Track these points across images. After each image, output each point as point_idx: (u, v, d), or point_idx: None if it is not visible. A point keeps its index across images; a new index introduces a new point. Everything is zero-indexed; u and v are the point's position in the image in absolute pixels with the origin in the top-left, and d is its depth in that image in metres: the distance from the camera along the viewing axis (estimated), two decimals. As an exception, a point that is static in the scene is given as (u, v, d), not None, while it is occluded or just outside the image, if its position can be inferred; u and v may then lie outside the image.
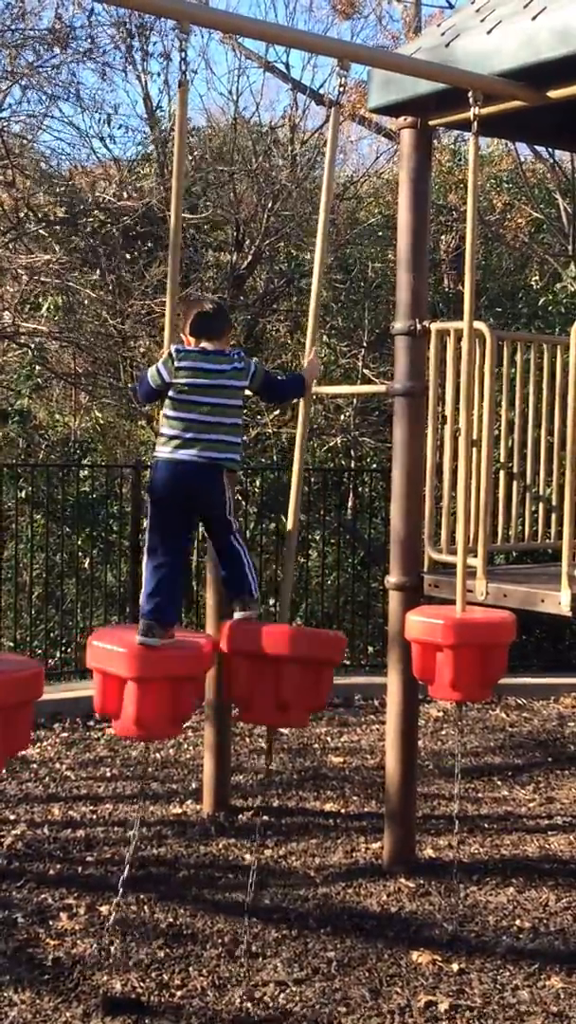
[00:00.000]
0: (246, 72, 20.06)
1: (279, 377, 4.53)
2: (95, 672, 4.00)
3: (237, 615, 4.28)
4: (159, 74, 12.42)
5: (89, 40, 10.47)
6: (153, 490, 4.13)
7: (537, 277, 12.79)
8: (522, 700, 9.04)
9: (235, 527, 4.27)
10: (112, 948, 4.76)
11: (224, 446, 4.15)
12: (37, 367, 11.82)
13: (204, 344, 4.27)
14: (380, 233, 12.61)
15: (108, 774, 7.00)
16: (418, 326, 5.55)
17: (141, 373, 4.29)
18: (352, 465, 11.61)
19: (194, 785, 6.79)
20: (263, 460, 11.53)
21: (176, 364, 4.14)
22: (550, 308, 11.42)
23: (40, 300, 11.52)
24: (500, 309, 12.13)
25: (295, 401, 4.80)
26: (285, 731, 8.01)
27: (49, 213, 11.28)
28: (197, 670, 4.07)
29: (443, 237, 12.75)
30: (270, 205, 11.57)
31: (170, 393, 4.14)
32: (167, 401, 4.16)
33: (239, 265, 11.93)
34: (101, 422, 12.42)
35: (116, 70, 11.82)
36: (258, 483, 10.85)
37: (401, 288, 5.63)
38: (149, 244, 11.84)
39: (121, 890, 4.59)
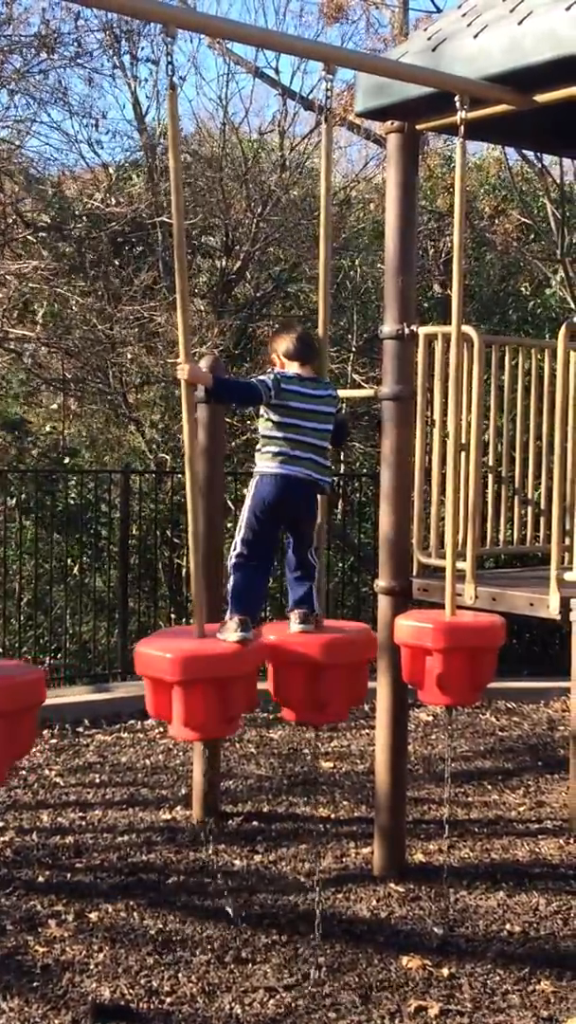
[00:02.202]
0: (235, 77, 20.08)
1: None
2: (144, 679, 4.08)
3: (296, 627, 4.44)
4: (148, 79, 12.46)
5: (76, 44, 10.48)
6: (260, 501, 4.40)
7: (527, 284, 12.81)
8: (512, 704, 9.04)
9: (315, 543, 4.56)
10: (101, 955, 4.75)
11: (324, 469, 4.49)
12: (26, 373, 11.81)
13: (299, 371, 4.55)
14: (369, 239, 12.62)
15: (97, 780, 6.99)
16: (406, 330, 5.55)
17: (242, 378, 4.68)
18: (341, 470, 11.62)
19: (184, 791, 6.78)
20: (252, 466, 11.54)
21: (283, 387, 4.42)
22: (539, 312, 11.45)
23: (34, 306, 11.51)
24: (489, 314, 12.16)
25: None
26: (274, 736, 8.01)
27: (37, 219, 11.28)
28: (243, 669, 4.11)
29: (431, 243, 12.78)
30: (260, 210, 11.58)
31: (272, 415, 4.42)
32: (269, 422, 4.43)
33: (229, 270, 11.94)
34: (90, 428, 12.41)
35: (104, 75, 11.84)
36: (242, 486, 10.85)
37: (389, 291, 5.64)
38: (139, 249, 11.85)
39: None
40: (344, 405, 4.72)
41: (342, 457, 11.74)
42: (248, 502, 4.45)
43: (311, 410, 4.46)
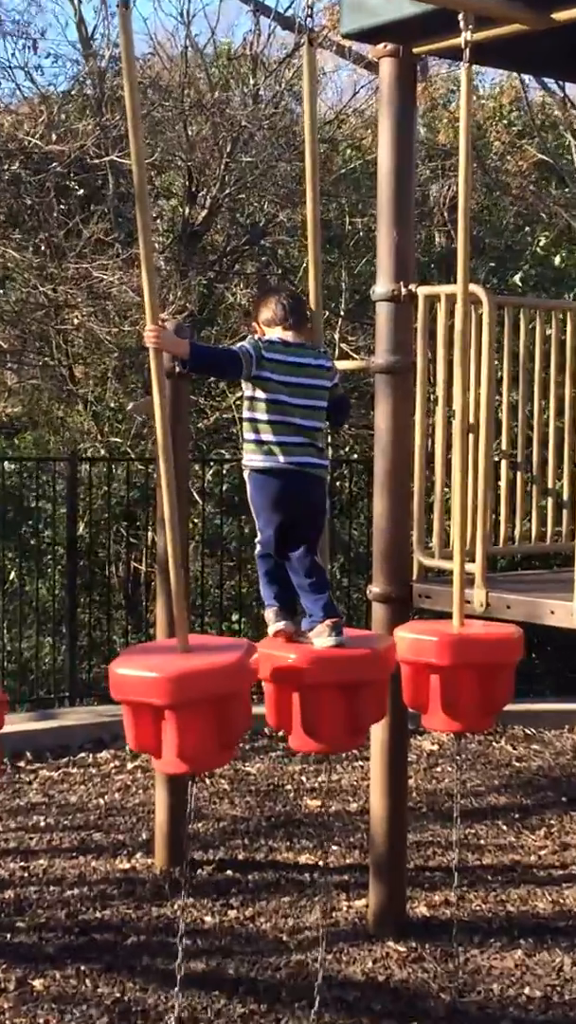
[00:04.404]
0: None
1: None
2: (124, 705, 4.09)
3: (327, 640, 4.46)
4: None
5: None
6: (258, 504, 4.54)
7: (547, 234, 12.84)
8: (531, 730, 9.09)
9: (315, 546, 4.60)
10: (48, 1029, 4.77)
11: (320, 453, 4.55)
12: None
13: (283, 335, 4.57)
14: (359, 182, 12.64)
15: (42, 823, 7.00)
16: (403, 290, 5.57)
17: (220, 346, 4.72)
18: (329, 455, 11.64)
19: (144, 835, 6.79)
20: (224, 452, 11.55)
21: (265, 355, 4.45)
22: (562, 267, 11.48)
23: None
24: (502, 271, 12.19)
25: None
26: (251, 771, 8.03)
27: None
28: (242, 686, 4.17)
29: (434, 186, 12.81)
30: (229, 149, 11.58)
31: (254, 392, 4.47)
32: (251, 401, 4.49)
33: (193, 219, 11.94)
34: (29, 406, 12.39)
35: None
36: (212, 475, 10.86)
37: (382, 246, 5.66)
38: (84, 192, 11.80)
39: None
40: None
41: (329, 440, 11.76)
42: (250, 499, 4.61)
43: (299, 384, 4.49)
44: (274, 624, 4.57)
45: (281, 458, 4.45)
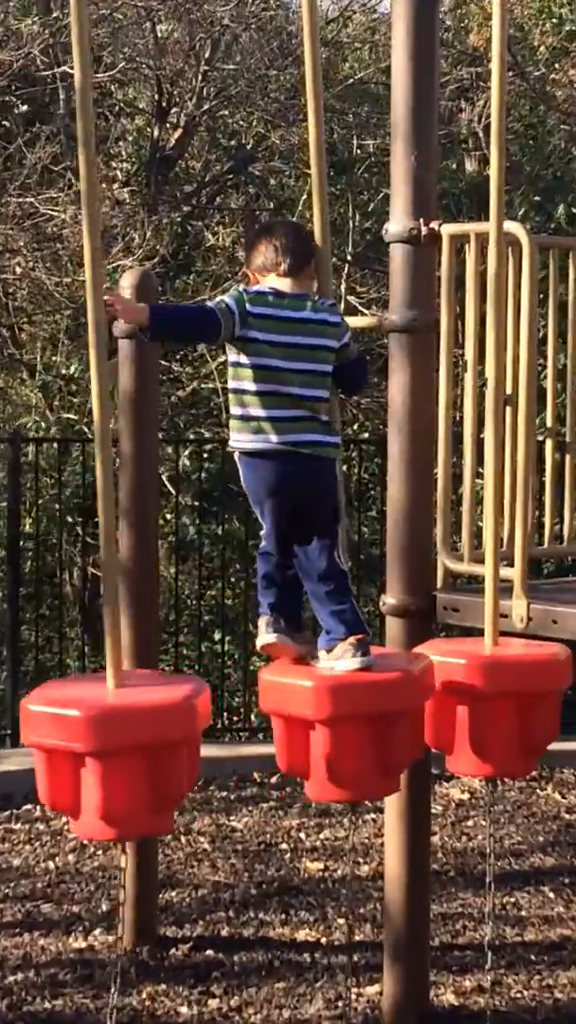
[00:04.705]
0: None
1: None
2: (36, 751, 4.06)
3: (349, 662, 4.43)
4: None
5: None
6: (251, 493, 4.59)
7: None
8: (584, 774, 9.10)
9: (331, 542, 4.56)
10: None
11: (323, 428, 4.53)
12: None
13: (278, 284, 4.57)
14: (370, 94, 12.61)
15: (-22, 893, 7.00)
16: (423, 229, 5.54)
17: (191, 304, 4.73)
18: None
19: (105, 906, 6.77)
20: (204, 431, 11.54)
21: (251, 310, 4.44)
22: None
23: None
24: (548, 205, 12.16)
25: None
26: (238, 826, 8.02)
27: None
28: (190, 729, 4.15)
29: (464, 100, 12.79)
30: (207, 55, 11.55)
31: (239, 356, 4.47)
32: (236, 367, 4.49)
33: (164, 142, 11.92)
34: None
35: None
36: (188, 457, 10.84)
37: (397, 173, 5.62)
38: (26, 108, 11.77)
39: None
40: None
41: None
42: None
43: (296, 344, 4.48)
44: (262, 636, 4.54)
45: (273, 437, 4.43)
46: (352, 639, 4.44)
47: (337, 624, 4.48)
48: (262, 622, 4.57)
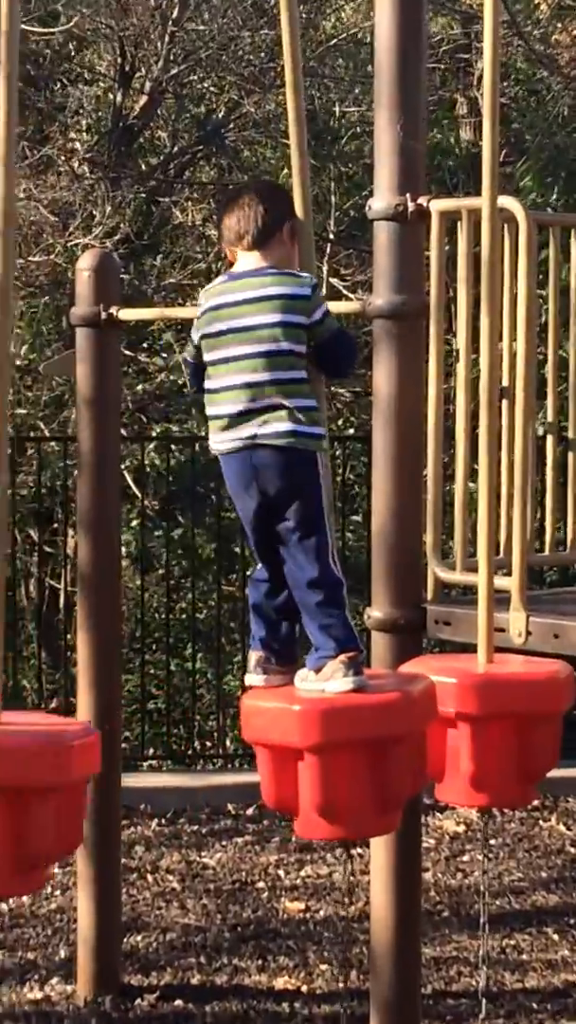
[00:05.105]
0: None
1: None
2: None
3: (340, 683, 4.37)
4: None
5: None
6: (231, 494, 4.60)
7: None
8: (591, 804, 9.12)
9: (317, 546, 4.46)
10: None
11: (289, 415, 4.40)
12: None
13: (240, 261, 4.54)
14: (352, 59, 12.62)
15: None
16: (410, 205, 5.54)
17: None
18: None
19: (63, 952, 6.77)
20: (172, 426, 11.53)
21: (203, 304, 4.50)
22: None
23: None
24: (550, 177, 12.19)
25: None
26: (210, 862, 8.01)
27: None
28: (69, 775, 4.04)
29: (455, 63, 12.79)
30: (175, 14, 11.55)
31: (205, 358, 4.50)
32: (206, 369, 4.51)
33: (127, 110, 11.91)
34: None
35: None
36: (158, 461, 10.84)
37: (382, 144, 5.62)
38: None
39: None
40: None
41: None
42: None
43: (244, 327, 4.41)
44: (248, 675, 4.53)
45: (231, 434, 4.41)
46: (343, 657, 4.36)
47: (326, 640, 4.40)
48: (251, 657, 4.56)
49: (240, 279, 4.48)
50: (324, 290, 11.71)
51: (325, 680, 4.37)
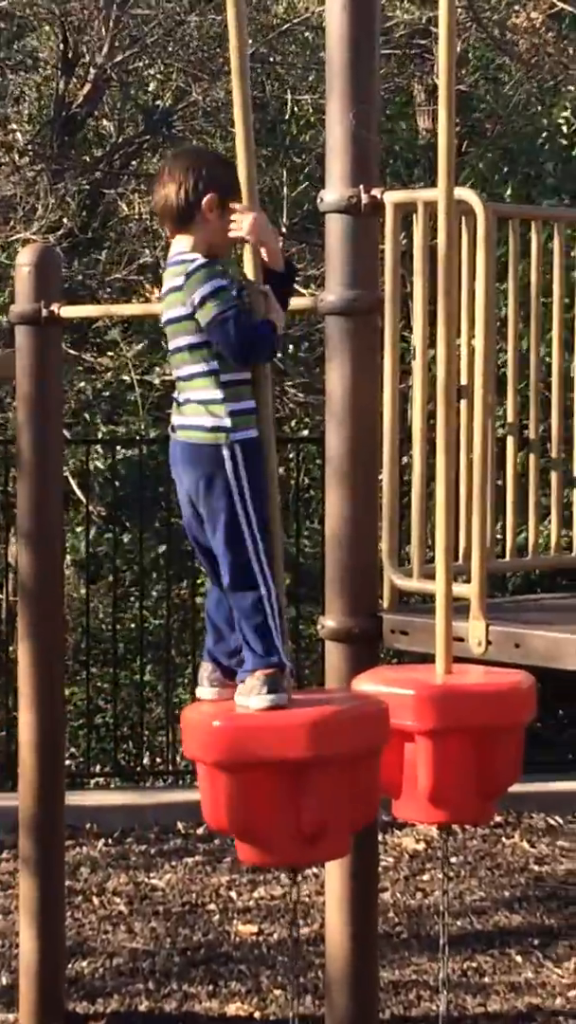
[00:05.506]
0: None
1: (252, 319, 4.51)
2: None
3: (246, 700, 4.37)
4: None
5: None
6: None
7: (568, 112, 12.87)
8: (555, 819, 9.10)
9: (232, 547, 4.41)
10: None
11: (195, 409, 4.44)
12: None
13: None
14: (304, 47, 12.61)
15: None
16: (363, 196, 5.52)
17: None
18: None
19: (4, 979, 6.75)
20: (120, 427, 11.49)
21: None
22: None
23: None
24: (508, 168, 12.21)
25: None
26: (159, 884, 7.99)
27: None
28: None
29: (412, 49, 12.79)
30: (119, -1, 11.55)
31: None
32: None
33: (70, 99, 11.87)
34: None
35: None
36: (102, 464, 10.80)
37: (334, 134, 5.60)
38: None
39: None
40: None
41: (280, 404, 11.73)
42: None
43: (165, 322, 4.53)
44: (199, 688, 4.61)
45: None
46: (259, 673, 4.36)
47: (248, 652, 4.41)
48: (201, 669, 4.60)
49: (168, 268, 4.53)
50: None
51: (247, 696, 4.37)
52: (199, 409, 4.42)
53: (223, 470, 4.41)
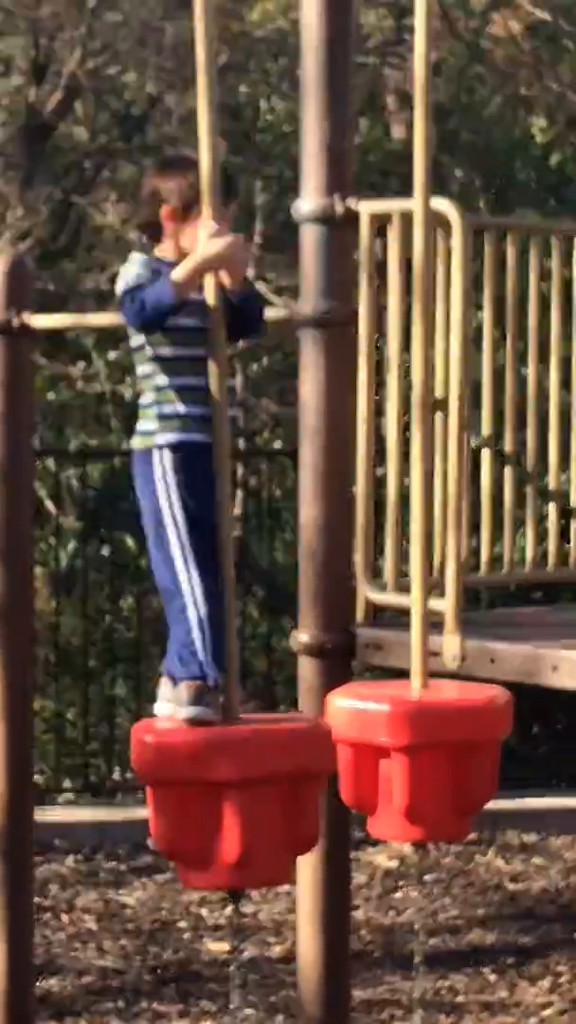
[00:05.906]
0: None
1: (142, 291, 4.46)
2: None
3: (179, 711, 4.34)
4: None
5: None
6: None
7: (546, 127, 12.92)
8: (531, 836, 9.12)
9: (159, 551, 4.43)
10: None
11: (141, 414, 4.54)
12: None
13: None
14: (278, 53, 12.62)
15: None
16: (338, 207, 5.53)
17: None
18: (240, 444, 11.60)
19: (-29, 998, 6.72)
20: (93, 439, 11.47)
21: None
22: (568, 169, 11.54)
23: None
24: (485, 178, 12.23)
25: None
26: (129, 901, 7.97)
27: None
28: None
29: (389, 56, 12.81)
30: (92, 2, 11.53)
31: None
32: None
33: (42, 105, 11.86)
34: None
35: None
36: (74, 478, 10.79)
37: (310, 142, 5.62)
38: None
39: None
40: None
41: (240, 424, 11.72)
42: None
43: None
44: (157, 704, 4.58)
45: None
46: (182, 685, 4.36)
47: (173, 659, 4.44)
48: (160, 685, 4.54)
49: None
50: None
51: (178, 704, 4.37)
52: (142, 414, 4.51)
53: (151, 474, 4.46)
